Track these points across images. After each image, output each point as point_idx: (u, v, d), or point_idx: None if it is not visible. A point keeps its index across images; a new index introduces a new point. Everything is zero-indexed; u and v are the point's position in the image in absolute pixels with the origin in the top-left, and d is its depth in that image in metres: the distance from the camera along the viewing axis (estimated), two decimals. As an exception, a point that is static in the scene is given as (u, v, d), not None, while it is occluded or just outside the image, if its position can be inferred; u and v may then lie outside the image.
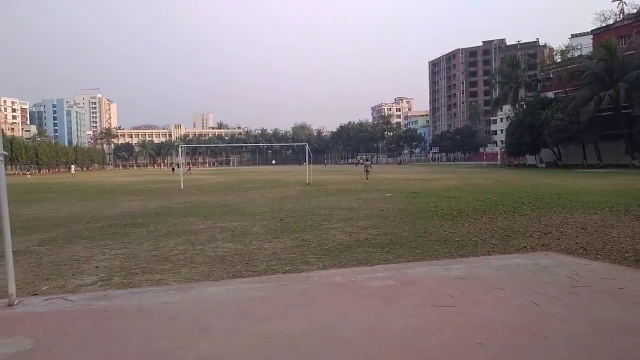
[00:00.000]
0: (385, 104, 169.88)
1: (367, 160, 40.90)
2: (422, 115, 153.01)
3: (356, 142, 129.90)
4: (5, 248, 3.58)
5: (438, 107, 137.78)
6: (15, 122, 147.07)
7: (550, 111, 44.88)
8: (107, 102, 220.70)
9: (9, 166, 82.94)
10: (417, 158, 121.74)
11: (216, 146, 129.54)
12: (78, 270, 6.49)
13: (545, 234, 8.29)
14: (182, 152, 38.94)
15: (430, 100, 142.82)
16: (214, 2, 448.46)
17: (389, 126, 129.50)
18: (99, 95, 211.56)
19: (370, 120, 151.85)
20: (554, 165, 49.51)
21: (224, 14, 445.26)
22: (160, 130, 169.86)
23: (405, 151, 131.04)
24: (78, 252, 7.81)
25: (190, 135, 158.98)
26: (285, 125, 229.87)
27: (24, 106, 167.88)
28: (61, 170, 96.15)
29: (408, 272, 4.77)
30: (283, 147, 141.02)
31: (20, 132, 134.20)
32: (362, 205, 13.98)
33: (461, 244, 7.47)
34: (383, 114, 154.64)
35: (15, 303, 3.44)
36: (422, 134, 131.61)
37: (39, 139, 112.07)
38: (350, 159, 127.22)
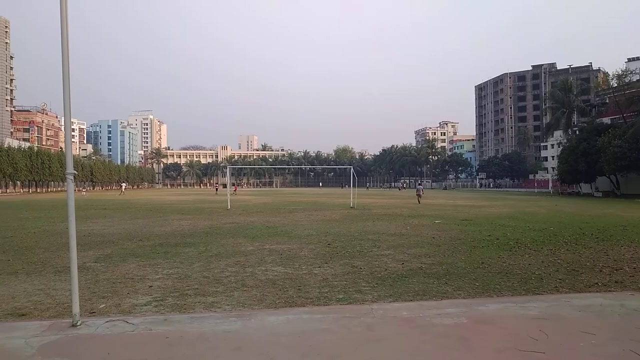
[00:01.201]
0: (430, 127, 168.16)
1: (419, 184, 40.53)
2: (468, 140, 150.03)
3: (399, 165, 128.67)
4: (71, 267, 3.58)
5: (485, 132, 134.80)
6: (73, 141, 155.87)
7: (608, 137, 42.67)
8: (158, 123, 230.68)
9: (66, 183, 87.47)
10: (463, 183, 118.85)
11: (260, 167, 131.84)
12: (133, 289, 6.52)
13: (616, 270, 7.65)
14: (229, 172, 39.75)
15: (476, 125, 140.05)
16: (261, 31, 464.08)
17: (433, 150, 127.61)
18: (151, 117, 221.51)
19: (414, 143, 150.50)
20: (611, 195, 46.81)
21: (269, 41, 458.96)
22: (207, 151, 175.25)
23: (451, 176, 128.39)
24: (132, 271, 7.90)
25: (236, 157, 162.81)
26: (327, 148, 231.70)
27: (82, 126, 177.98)
28: (113, 187, 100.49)
29: (480, 310, 4.42)
30: (325, 169, 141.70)
31: (77, 150, 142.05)
32: (411, 231, 13.56)
33: (524, 278, 6.99)
34: (427, 137, 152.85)
35: (78, 324, 3.41)
36: (468, 159, 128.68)
37: (94, 158, 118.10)
38: (394, 183, 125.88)
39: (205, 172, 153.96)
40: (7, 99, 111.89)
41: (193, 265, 8.20)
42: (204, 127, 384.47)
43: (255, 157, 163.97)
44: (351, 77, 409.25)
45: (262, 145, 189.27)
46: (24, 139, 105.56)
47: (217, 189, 72.57)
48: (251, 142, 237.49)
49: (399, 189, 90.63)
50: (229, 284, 6.71)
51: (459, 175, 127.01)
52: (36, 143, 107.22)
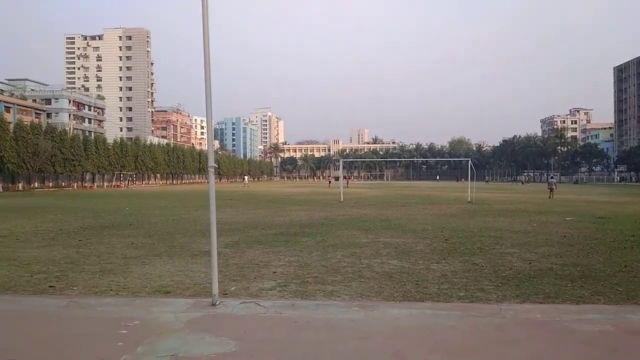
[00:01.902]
0: (558, 115, 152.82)
1: (551, 177, 37.65)
2: (604, 129, 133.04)
3: (522, 157, 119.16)
4: (211, 251, 3.96)
5: (625, 119, 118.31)
6: (202, 138, 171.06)
7: None
8: (276, 119, 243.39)
9: (197, 175, 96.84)
10: (598, 177, 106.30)
11: (371, 160, 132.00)
12: (259, 274, 6.99)
13: None
14: (341, 166, 40.51)
15: (615, 112, 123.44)
16: (372, 28, 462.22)
17: (562, 140, 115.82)
18: (269, 114, 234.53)
19: (539, 133, 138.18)
20: None
21: (382, 31, 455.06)
22: (321, 145, 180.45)
23: (583, 169, 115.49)
24: (257, 257, 8.47)
25: (347, 150, 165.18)
26: (441, 140, 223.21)
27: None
28: (237, 180, 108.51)
29: (630, 318, 3.93)
30: (439, 162, 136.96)
31: (205, 146, 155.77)
32: (538, 229, 12.52)
33: (683, 287, 6.04)
34: (555, 126, 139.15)
35: (217, 303, 3.76)
36: (604, 150, 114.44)
37: (220, 152, 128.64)
38: (517, 176, 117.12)
39: (319, 165, 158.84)
40: (148, 101, 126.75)
41: (312, 254, 8.53)
42: (318, 122, 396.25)
43: (366, 150, 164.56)
44: (466, 63, 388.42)
45: (373, 138, 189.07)
46: (162, 136, 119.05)
47: (330, 182, 74.42)
48: (362, 135, 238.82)
49: (522, 183, 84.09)
50: (347, 274, 6.85)
51: (593, 168, 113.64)
52: (172, 140, 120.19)
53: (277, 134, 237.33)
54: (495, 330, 3.47)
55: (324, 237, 10.90)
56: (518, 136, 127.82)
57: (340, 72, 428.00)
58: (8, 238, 11.35)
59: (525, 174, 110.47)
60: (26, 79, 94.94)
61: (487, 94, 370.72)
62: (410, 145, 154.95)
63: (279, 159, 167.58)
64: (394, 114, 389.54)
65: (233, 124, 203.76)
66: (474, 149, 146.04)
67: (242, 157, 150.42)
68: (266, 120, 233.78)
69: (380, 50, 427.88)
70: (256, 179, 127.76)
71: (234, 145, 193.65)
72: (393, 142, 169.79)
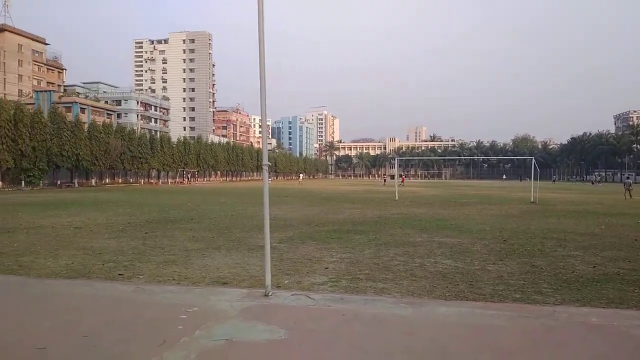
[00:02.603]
0: (634, 111, 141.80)
1: (627, 178, 35.51)
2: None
3: (593, 156, 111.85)
4: (265, 245, 4.14)
5: None
6: (260, 136, 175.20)
7: None
8: (332, 118, 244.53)
9: (255, 173, 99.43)
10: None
11: (428, 159, 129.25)
12: (311, 269, 7.16)
13: None
14: (397, 164, 40.06)
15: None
16: (427, 25, 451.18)
17: (638, 137, 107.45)
18: (325, 112, 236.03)
19: (612, 130, 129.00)
20: None
21: (444, 24, 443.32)
22: (376, 143, 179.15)
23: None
24: (310, 252, 8.65)
25: (404, 148, 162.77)
26: (503, 138, 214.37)
27: (267, 123, 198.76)
28: (293, 177, 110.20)
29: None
30: (501, 160, 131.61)
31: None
32: (607, 231, 11.79)
33: None
34: (630, 122, 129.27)
35: (269, 294, 3.93)
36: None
37: (277, 151, 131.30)
38: (586, 176, 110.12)
39: (374, 164, 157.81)
40: (210, 102, 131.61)
41: (364, 252, 8.58)
42: (373, 120, 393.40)
43: (423, 148, 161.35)
44: (529, 59, 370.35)
45: (431, 136, 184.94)
46: (223, 135, 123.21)
47: (384, 180, 73.76)
48: (419, 133, 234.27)
49: (592, 183, 79.02)
50: (398, 272, 6.84)
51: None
52: (232, 139, 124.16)
53: (333, 132, 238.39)
54: (546, 332, 3.37)
55: (377, 235, 10.91)
56: (588, 133, 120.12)
57: (397, 69, 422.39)
58: (82, 229, 12.31)
59: (595, 173, 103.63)
60: (99, 82, 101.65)
61: (552, 90, 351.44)
62: (471, 143, 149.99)
63: (334, 157, 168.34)
64: (453, 111, 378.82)
65: (290, 123, 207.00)
66: (539, 147, 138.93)
67: (298, 155, 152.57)
68: (322, 119, 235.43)
69: (438, 47, 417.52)
70: (311, 177, 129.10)
71: (290, 144, 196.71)
72: (452, 140, 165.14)
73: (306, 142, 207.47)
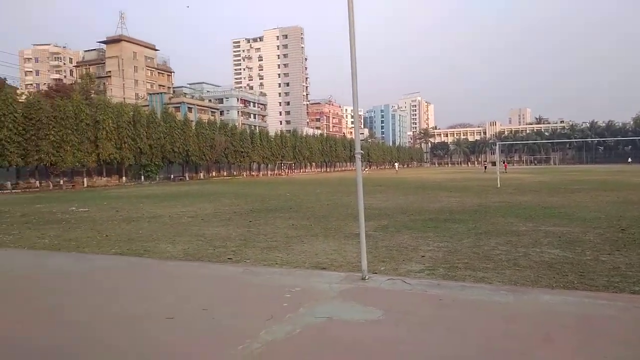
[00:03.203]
0: None
1: None
2: None
3: None
4: (360, 231, 4.28)
5: None
6: (353, 127, 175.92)
7: None
8: (426, 104, 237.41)
9: (348, 163, 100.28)
10: None
11: (534, 143, 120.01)
12: (407, 257, 7.17)
13: None
14: (498, 149, 37.87)
15: None
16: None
17: None
18: (419, 99, 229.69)
19: None
20: None
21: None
22: (475, 128, 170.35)
23: None
24: (406, 241, 8.65)
25: (506, 132, 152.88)
26: (622, 116, 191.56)
27: (359, 113, 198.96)
28: (386, 167, 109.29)
29: None
30: (619, 142, 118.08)
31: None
32: None
33: None
34: None
35: (366, 278, 4.08)
36: None
37: (369, 140, 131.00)
38: None
39: (473, 150, 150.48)
40: (303, 95, 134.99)
41: (462, 241, 8.37)
42: (471, 104, 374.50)
43: (528, 131, 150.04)
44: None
45: (537, 118, 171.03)
46: (316, 127, 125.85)
47: (485, 167, 70.13)
48: (523, 115, 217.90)
49: None
50: (500, 262, 6.59)
51: None
52: (325, 130, 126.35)
53: (427, 119, 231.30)
54: (668, 325, 3.07)
55: (476, 224, 10.54)
56: None
57: (496, 47, 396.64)
58: (195, 218, 13.50)
59: None
60: (203, 82, 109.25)
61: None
62: (583, 124, 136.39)
63: (429, 144, 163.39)
64: (561, 89, 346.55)
65: (382, 111, 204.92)
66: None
67: (391, 144, 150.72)
68: (415, 106, 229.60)
69: (541, 18, 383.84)
70: (405, 166, 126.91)
71: (383, 133, 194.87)
72: (561, 122, 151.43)
73: (399, 131, 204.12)
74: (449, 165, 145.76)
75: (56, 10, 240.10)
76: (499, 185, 24.38)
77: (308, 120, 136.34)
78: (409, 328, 2.91)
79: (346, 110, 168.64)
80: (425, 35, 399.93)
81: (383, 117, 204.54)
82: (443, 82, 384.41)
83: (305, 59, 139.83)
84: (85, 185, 41.53)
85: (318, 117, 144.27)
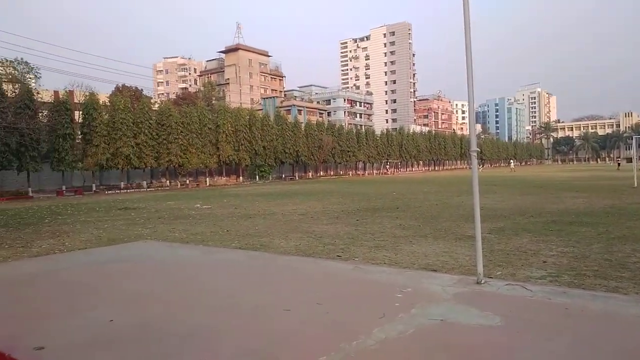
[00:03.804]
0: None
1: None
2: None
3: None
4: (476, 233, 4.12)
5: None
6: (464, 122, 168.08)
7: None
8: (547, 95, 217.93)
9: (458, 161, 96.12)
10: None
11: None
12: (526, 262, 6.70)
13: None
14: (634, 143, 33.34)
15: None
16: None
17: None
18: (539, 90, 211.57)
19: None
20: None
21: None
22: (606, 121, 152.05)
23: None
24: (525, 245, 8.08)
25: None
26: None
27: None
28: (501, 165, 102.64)
29: None
30: None
31: (467, 130, 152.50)
32: None
33: None
34: None
35: (482, 282, 3.90)
36: None
37: (482, 137, 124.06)
38: None
39: (603, 145, 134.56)
40: (410, 92, 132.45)
41: (591, 246, 7.59)
42: (601, 94, 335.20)
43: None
44: None
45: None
46: (424, 124, 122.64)
47: (619, 164, 62.48)
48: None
49: None
50: (638, 270, 5.86)
51: None
52: (433, 127, 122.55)
53: (549, 112, 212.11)
54: None
55: (608, 227, 9.46)
56: None
57: (629, 24, 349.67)
58: (305, 215, 14.04)
59: None
60: (312, 85, 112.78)
61: None
62: None
63: (551, 139, 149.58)
64: None
65: (496, 105, 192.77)
66: None
67: (506, 140, 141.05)
68: (534, 98, 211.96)
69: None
70: (523, 163, 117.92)
71: (497, 128, 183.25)
72: None
73: (516, 125, 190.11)
74: (574, 162, 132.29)
75: (184, 25, 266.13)
76: (635, 185, 21.56)
77: (415, 118, 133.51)
78: (531, 337, 2.73)
79: (456, 105, 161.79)
80: (545, 19, 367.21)
81: (497, 112, 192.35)
82: (566, 71, 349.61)
83: (413, 54, 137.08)
84: (208, 184, 45.42)
85: (426, 113, 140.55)
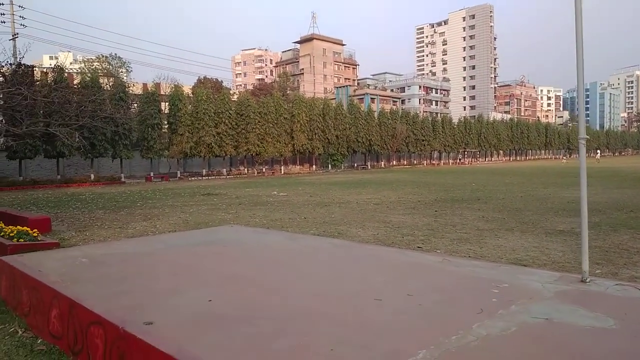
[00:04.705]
0: None
1: None
2: None
3: None
4: (582, 227, 3.82)
5: None
6: (549, 109, 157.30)
7: None
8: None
9: (543, 151, 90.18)
10: None
11: None
12: (629, 261, 6.15)
13: None
14: None
15: None
16: None
17: None
18: (638, 73, 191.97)
19: None
20: None
21: None
22: None
23: None
24: (625, 242, 7.42)
25: None
26: None
27: (557, 93, 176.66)
28: (590, 155, 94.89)
29: None
30: None
31: (553, 118, 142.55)
32: None
33: None
34: None
35: (587, 280, 3.62)
36: None
37: (570, 125, 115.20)
38: None
39: None
40: (491, 77, 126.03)
41: None
42: None
43: None
44: None
45: None
46: (505, 112, 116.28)
47: None
48: None
49: None
50: None
51: None
52: (515, 114, 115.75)
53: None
54: None
55: None
56: None
57: None
58: (380, 205, 13.92)
59: None
60: (386, 72, 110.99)
61: None
62: None
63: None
64: None
65: (587, 90, 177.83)
66: None
67: (597, 128, 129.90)
68: (632, 81, 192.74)
69: None
70: (617, 154, 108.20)
71: (587, 115, 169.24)
72: None
73: (609, 112, 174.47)
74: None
75: (262, 18, 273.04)
76: None
77: (495, 105, 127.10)
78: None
79: (541, 91, 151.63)
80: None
81: (588, 97, 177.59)
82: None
83: (494, 38, 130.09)
84: (282, 172, 46.57)
85: (507, 100, 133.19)
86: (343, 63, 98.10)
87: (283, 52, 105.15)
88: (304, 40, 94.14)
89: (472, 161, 74.41)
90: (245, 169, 45.03)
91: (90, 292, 3.62)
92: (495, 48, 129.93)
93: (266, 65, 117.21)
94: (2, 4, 43.61)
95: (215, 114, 39.59)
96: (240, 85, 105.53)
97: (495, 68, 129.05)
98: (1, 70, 11.61)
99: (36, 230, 8.15)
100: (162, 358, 2.47)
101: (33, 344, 3.82)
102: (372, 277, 3.99)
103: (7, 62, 11.71)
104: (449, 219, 10.66)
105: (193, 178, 38.43)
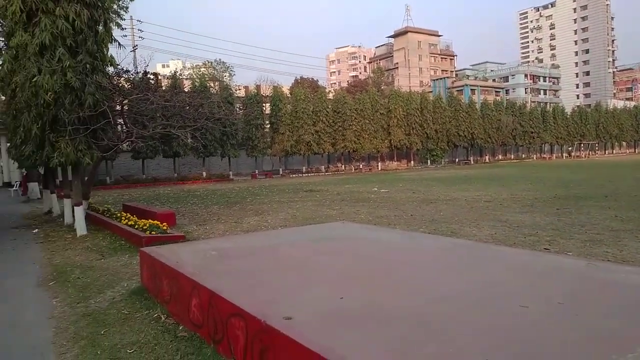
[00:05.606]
0: None
1: None
2: None
3: None
4: None
5: None
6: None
7: None
8: None
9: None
10: None
11: None
12: None
13: None
14: None
15: None
16: None
17: None
18: None
19: None
20: None
21: None
22: None
23: None
24: None
25: None
26: None
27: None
28: None
29: None
30: None
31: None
32: None
33: None
34: None
35: None
36: None
37: None
38: None
39: None
40: (608, 61, 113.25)
41: None
42: None
43: None
44: None
45: None
46: (627, 99, 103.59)
47: None
48: None
49: None
50: None
51: None
52: (638, 101, 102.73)
53: None
54: None
55: None
56: None
57: None
58: (492, 202, 13.11)
59: None
60: (486, 62, 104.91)
61: None
62: None
63: None
64: None
65: None
66: None
67: None
68: None
69: None
70: None
71: None
72: None
73: None
74: None
75: (355, 16, 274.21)
76: None
77: (615, 91, 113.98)
78: None
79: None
80: None
81: None
82: None
83: (612, 18, 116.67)
84: (380, 168, 46.23)
85: (629, 85, 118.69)
86: (439, 54, 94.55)
87: (377, 47, 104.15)
88: (397, 34, 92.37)
89: (589, 154, 67.50)
90: (343, 166, 45.43)
91: (226, 284, 3.80)
92: (612, 29, 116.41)
93: (360, 62, 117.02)
94: (124, 19, 48.62)
95: (313, 113, 40.46)
96: (335, 83, 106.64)
97: (613, 51, 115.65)
98: (130, 79, 12.89)
99: (165, 223, 8.92)
100: (306, 355, 2.47)
101: (176, 330, 4.12)
102: (505, 280, 3.69)
103: (135, 71, 12.99)
104: (575, 218, 9.68)
105: (294, 175, 39.69)
